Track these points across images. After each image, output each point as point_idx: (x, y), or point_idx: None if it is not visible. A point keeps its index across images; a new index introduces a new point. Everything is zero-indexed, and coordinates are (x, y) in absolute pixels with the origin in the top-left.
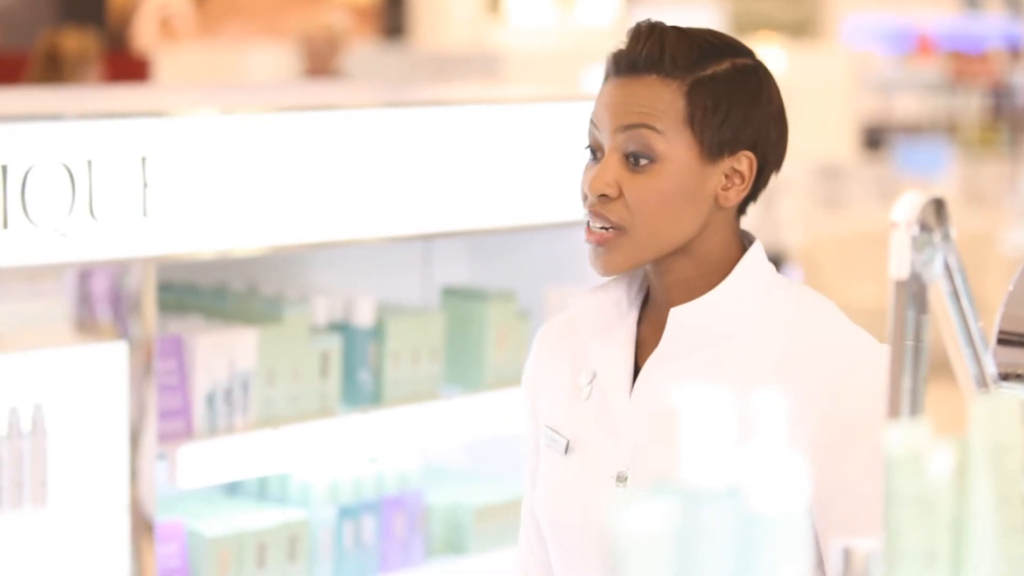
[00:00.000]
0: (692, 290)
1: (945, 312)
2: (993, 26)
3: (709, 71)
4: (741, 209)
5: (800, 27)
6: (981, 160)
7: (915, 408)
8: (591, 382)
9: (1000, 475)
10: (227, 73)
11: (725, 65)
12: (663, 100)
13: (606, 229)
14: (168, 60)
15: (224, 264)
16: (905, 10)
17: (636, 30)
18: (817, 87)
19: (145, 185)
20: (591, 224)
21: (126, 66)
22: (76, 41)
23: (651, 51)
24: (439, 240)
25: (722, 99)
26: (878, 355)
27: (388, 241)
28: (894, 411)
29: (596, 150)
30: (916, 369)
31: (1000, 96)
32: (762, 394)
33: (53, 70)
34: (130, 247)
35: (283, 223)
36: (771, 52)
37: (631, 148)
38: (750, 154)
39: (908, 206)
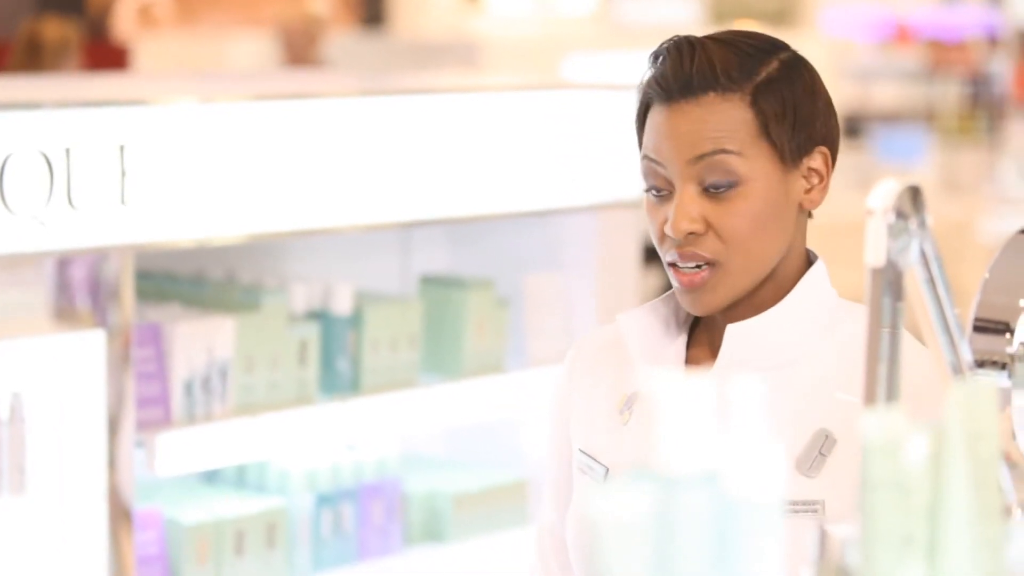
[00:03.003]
0: (755, 306)
1: (921, 299)
2: (971, 15)
3: (763, 75)
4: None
5: (779, 15)
6: (959, 148)
7: (891, 394)
8: (631, 405)
9: (976, 461)
10: (206, 62)
11: (774, 64)
12: (731, 118)
13: (699, 267)
14: (147, 49)
15: (202, 252)
16: None
17: (674, 50)
18: None
19: (124, 173)
20: (680, 266)
21: (105, 54)
22: (57, 29)
23: (701, 68)
24: (418, 228)
25: (786, 100)
26: (924, 357)
27: (366, 229)
28: (870, 398)
29: (661, 188)
30: (892, 356)
31: (978, 85)
32: (741, 382)
33: (34, 58)
34: (108, 235)
35: (261, 211)
36: None
37: (711, 179)
38: (823, 148)
39: (884, 193)
